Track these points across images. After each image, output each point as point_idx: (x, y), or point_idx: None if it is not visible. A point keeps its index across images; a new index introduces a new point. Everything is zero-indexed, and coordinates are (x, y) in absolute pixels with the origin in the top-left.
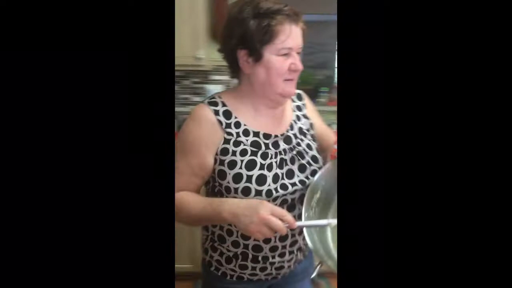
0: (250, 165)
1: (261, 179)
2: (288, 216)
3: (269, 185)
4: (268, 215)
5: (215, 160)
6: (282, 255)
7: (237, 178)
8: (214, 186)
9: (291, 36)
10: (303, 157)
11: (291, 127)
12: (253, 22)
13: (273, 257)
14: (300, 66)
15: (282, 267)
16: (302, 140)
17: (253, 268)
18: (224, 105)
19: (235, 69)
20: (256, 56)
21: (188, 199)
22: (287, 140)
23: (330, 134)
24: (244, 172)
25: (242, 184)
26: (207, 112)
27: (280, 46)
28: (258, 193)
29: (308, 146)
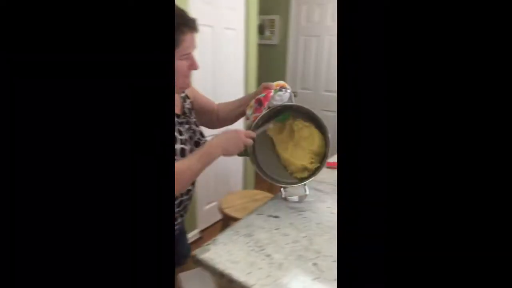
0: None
1: (183, 153)
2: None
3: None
4: (243, 130)
5: None
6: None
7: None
8: None
9: (191, 43)
10: (195, 134)
11: (183, 107)
12: None
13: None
14: (197, 66)
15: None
16: (190, 117)
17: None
18: None
19: None
20: None
21: (184, 163)
22: (185, 117)
23: (208, 103)
24: (179, 146)
25: (178, 147)
26: None
27: (182, 52)
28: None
29: (195, 123)
